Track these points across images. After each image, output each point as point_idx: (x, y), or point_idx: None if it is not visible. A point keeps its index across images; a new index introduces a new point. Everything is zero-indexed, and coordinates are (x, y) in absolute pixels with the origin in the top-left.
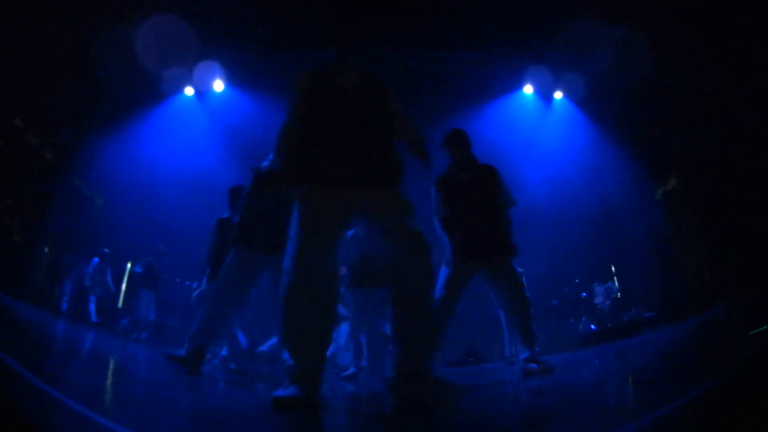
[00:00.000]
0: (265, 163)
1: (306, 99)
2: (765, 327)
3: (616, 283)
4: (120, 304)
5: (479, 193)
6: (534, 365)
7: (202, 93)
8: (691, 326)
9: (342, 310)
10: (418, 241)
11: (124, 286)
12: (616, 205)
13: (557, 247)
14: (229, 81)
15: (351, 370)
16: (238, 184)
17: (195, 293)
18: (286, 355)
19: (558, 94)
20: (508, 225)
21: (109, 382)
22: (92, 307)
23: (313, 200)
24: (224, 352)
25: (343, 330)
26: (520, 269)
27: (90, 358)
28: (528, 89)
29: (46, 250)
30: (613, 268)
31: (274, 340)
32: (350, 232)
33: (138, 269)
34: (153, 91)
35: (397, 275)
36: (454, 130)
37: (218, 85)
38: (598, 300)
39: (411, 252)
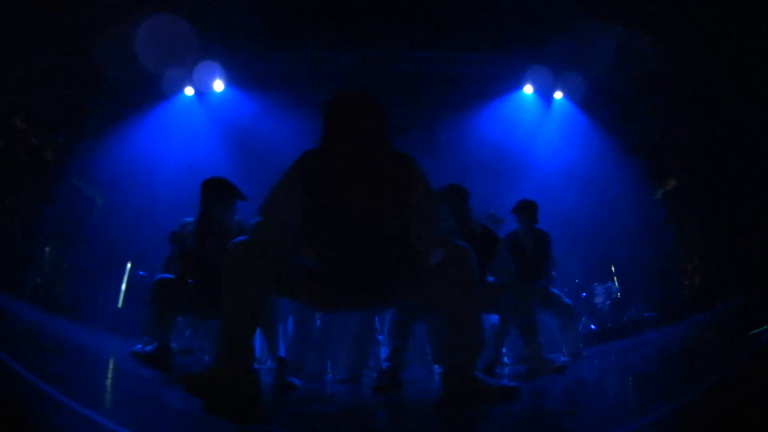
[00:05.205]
0: None
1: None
2: (765, 327)
3: (616, 283)
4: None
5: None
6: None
7: (202, 93)
8: (691, 326)
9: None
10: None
11: (124, 287)
12: (616, 204)
13: (557, 247)
14: (229, 81)
15: None
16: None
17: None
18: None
19: (558, 94)
20: None
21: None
22: None
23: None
24: None
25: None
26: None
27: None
28: (528, 89)
29: (47, 249)
30: (613, 268)
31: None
32: None
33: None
34: (153, 91)
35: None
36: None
37: (218, 85)
38: (598, 300)
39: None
